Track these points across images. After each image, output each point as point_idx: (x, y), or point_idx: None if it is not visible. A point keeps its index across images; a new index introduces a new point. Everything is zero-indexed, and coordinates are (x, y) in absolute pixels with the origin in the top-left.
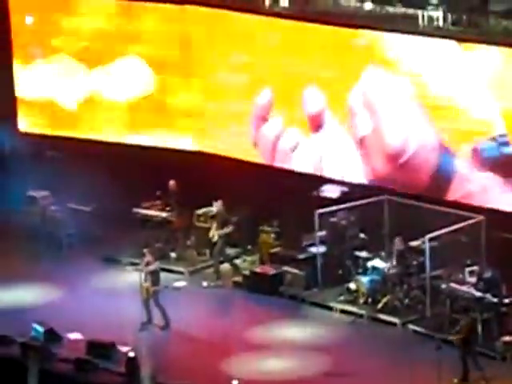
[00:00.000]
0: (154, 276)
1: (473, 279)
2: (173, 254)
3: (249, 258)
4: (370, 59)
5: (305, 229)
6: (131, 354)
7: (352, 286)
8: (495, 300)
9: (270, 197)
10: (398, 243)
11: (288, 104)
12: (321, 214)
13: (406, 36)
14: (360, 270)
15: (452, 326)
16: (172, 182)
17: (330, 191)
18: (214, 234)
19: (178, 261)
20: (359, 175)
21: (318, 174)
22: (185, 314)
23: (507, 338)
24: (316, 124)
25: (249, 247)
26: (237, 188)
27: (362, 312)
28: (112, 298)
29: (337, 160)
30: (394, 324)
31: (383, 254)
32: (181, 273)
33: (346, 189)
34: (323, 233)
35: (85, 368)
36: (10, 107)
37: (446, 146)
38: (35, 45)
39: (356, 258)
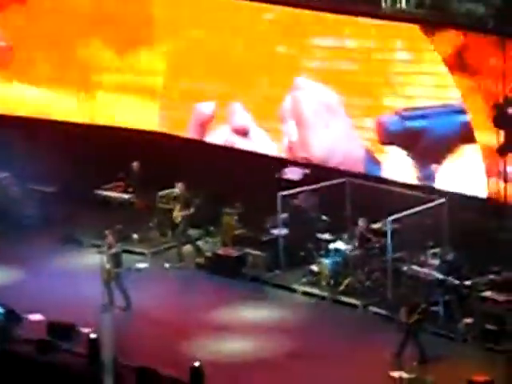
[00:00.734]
0: (116, 258)
1: (435, 261)
2: (135, 236)
3: (211, 240)
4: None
5: (267, 211)
6: (92, 336)
7: (314, 268)
8: (457, 282)
9: (233, 179)
10: (360, 225)
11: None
12: (283, 196)
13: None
14: (322, 252)
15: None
16: (135, 164)
17: (293, 173)
18: (177, 215)
19: (140, 242)
20: None
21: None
22: (147, 296)
23: (468, 320)
24: (242, 133)
25: (211, 229)
26: (199, 169)
27: (324, 294)
28: (73, 280)
29: None
30: (356, 306)
31: (345, 236)
32: (143, 254)
33: (307, 171)
34: (285, 215)
35: (46, 349)
36: None
37: (371, 155)
38: None
39: (318, 240)
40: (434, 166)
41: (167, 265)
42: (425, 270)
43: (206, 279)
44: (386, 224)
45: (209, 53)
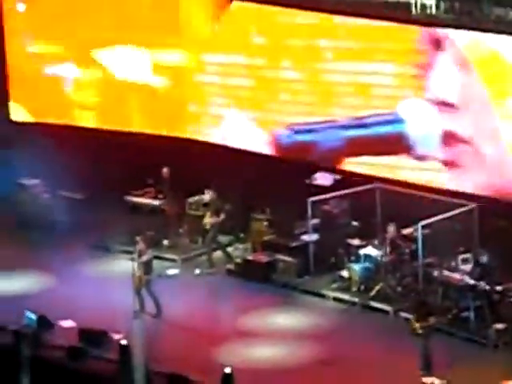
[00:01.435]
0: (147, 265)
1: (466, 267)
2: (165, 242)
3: (241, 246)
4: None
5: (297, 217)
6: (123, 342)
7: (344, 273)
8: (488, 287)
9: (263, 185)
10: (390, 231)
11: None
12: (313, 202)
13: None
14: (352, 258)
15: (444, 314)
16: (165, 170)
17: (323, 179)
18: (207, 221)
19: (170, 248)
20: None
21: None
22: (177, 302)
23: (499, 326)
24: None
25: (241, 235)
26: (229, 175)
27: (355, 300)
28: (104, 286)
29: None
30: (387, 312)
31: (375, 241)
32: (173, 260)
33: (338, 177)
34: (316, 221)
35: (77, 356)
36: (1, 94)
37: None
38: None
39: (348, 246)
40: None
41: (197, 271)
42: (456, 275)
43: (236, 285)
44: (417, 229)
45: None
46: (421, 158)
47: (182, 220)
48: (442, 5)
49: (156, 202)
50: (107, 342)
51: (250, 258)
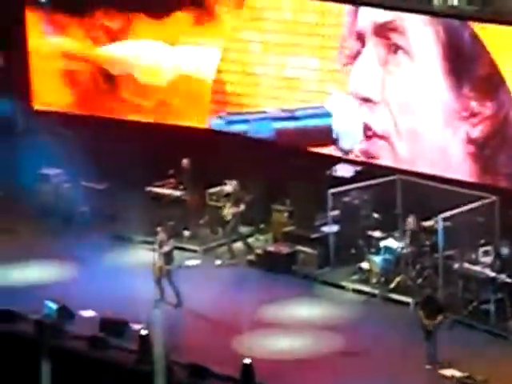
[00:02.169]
0: (168, 255)
1: (486, 259)
2: (186, 233)
3: (262, 237)
4: None
5: (318, 208)
6: (144, 332)
7: (364, 265)
8: (508, 280)
9: (283, 176)
10: (411, 223)
11: None
12: (334, 194)
13: None
14: (373, 250)
15: (464, 306)
16: (185, 161)
17: (343, 171)
18: (228, 212)
19: (191, 239)
20: None
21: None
22: (198, 293)
23: None
24: None
25: (262, 226)
26: (250, 166)
27: (375, 292)
28: (125, 276)
29: None
30: (407, 304)
31: (396, 233)
32: (194, 251)
33: (359, 168)
34: (336, 212)
35: (98, 345)
36: (24, 84)
37: None
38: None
39: (369, 238)
40: None
41: (218, 262)
42: (476, 267)
43: (257, 276)
44: (437, 222)
45: None
46: (345, 151)
47: (202, 211)
48: None
49: (177, 193)
50: (128, 332)
51: (270, 249)
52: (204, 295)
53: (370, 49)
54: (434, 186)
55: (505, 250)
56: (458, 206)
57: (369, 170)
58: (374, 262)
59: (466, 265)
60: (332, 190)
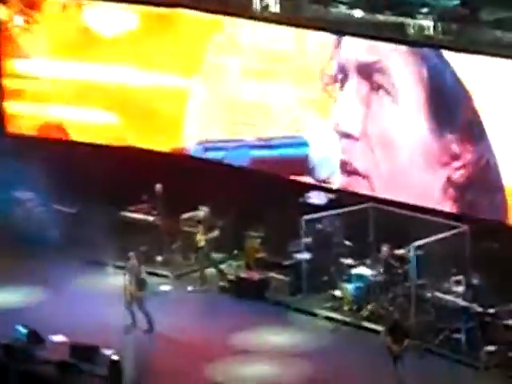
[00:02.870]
0: (140, 280)
1: (458, 288)
2: (158, 258)
3: (234, 263)
4: None
5: (290, 235)
6: (115, 358)
7: (337, 293)
8: (480, 309)
9: (256, 202)
10: (384, 251)
11: None
12: (307, 221)
13: None
14: (345, 277)
15: (436, 335)
16: (158, 186)
17: (316, 198)
18: (201, 238)
19: (163, 265)
20: None
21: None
22: (169, 318)
23: (491, 348)
24: None
25: (235, 252)
26: (223, 192)
27: (347, 319)
28: (96, 301)
29: None
30: (379, 332)
31: (368, 261)
32: (166, 277)
33: (332, 196)
34: (309, 239)
35: (68, 371)
36: None
37: None
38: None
39: (341, 265)
40: None
41: (190, 288)
42: (448, 297)
43: (229, 302)
44: (410, 250)
45: None
46: (321, 181)
47: (175, 236)
48: (440, 26)
49: (150, 218)
50: (98, 357)
51: (242, 275)
52: (175, 321)
53: (351, 85)
54: (407, 215)
55: (475, 281)
56: (430, 235)
57: (342, 197)
58: (347, 289)
59: (438, 294)
60: (305, 217)
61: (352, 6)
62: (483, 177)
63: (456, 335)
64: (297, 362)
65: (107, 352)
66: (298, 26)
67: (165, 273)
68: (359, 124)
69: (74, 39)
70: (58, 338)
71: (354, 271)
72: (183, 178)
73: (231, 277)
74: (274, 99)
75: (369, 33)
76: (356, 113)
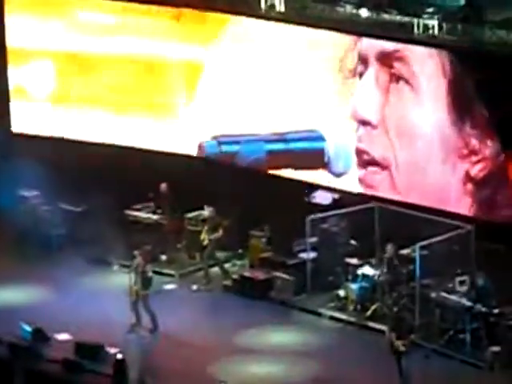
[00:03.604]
0: (145, 280)
1: (463, 288)
2: (163, 257)
3: (239, 262)
4: None
5: (296, 234)
6: (119, 356)
7: (341, 292)
8: (484, 310)
9: (262, 202)
10: (388, 251)
11: None
12: (312, 220)
13: None
14: (350, 277)
15: (441, 335)
16: (163, 185)
17: (322, 198)
18: (205, 237)
19: (168, 263)
20: None
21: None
22: (174, 317)
23: (495, 348)
24: None
25: (239, 251)
26: (228, 192)
27: (351, 319)
28: (101, 300)
29: None
30: (383, 332)
31: (373, 261)
32: (171, 275)
33: (337, 196)
34: (314, 239)
35: (72, 369)
36: (3, 106)
37: None
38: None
39: (346, 265)
40: None
41: (195, 287)
42: (453, 297)
43: (233, 302)
44: (415, 250)
45: None
46: (337, 174)
47: (180, 235)
48: (445, 26)
49: (155, 217)
50: (103, 355)
51: (247, 274)
52: (180, 320)
53: (371, 73)
54: (412, 214)
55: (480, 281)
56: (435, 235)
57: (347, 197)
58: (351, 289)
59: (443, 294)
60: (310, 217)
61: (358, 6)
62: (501, 173)
63: (461, 335)
64: (301, 361)
65: (112, 350)
66: (304, 25)
67: (169, 272)
68: (378, 112)
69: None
70: (63, 336)
71: (359, 271)
72: (189, 177)
73: (235, 276)
74: (290, 92)
75: (374, 32)
76: (375, 100)
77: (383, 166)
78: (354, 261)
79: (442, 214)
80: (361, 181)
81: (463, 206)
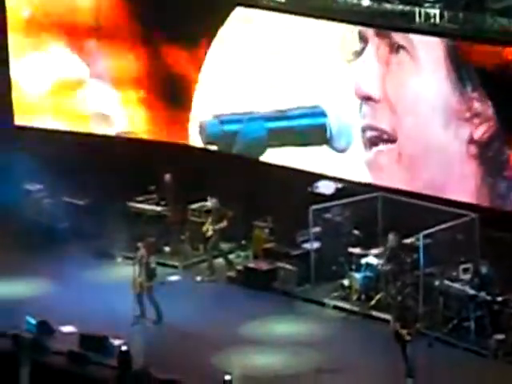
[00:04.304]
0: (149, 271)
1: (467, 277)
2: (167, 248)
3: (243, 253)
4: None
5: (299, 225)
6: (124, 348)
7: (345, 282)
8: (489, 298)
9: (265, 192)
10: (391, 240)
11: None
12: (315, 210)
13: None
14: (353, 267)
15: (445, 324)
16: (168, 176)
17: (325, 188)
18: (209, 228)
19: (171, 255)
20: None
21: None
22: (178, 309)
23: (500, 336)
24: None
25: (243, 242)
26: (231, 183)
27: (355, 309)
28: (105, 292)
29: None
30: (387, 321)
31: (377, 250)
32: (175, 267)
33: (340, 185)
34: (317, 229)
35: (77, 361)
36: (5, 101)
37: None
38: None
39: (350, 255)
40: None
41: (198, 278)
42: (457, 285)
43: (237, 293)
44: (418, 239)
45: None
46: (340, 150)
47: (183, 227)
48: (446, 14)
49: (158, 209)
50: (108, 347)
51: (251, 265)
52: (184, 311)
53: (372, 47)
54: (415, 204)
55: (483, 269)
56: (438, 224)
57: (350, 186)
58: (355, 279)
59: (447, 282)
60: (313, 207)
61: None
62: (504, 134)
63: (465, 324)
64: (305, 351)
65: (116, 342)
66: (305, 15)
67: (173, 263)
68: (380, 85)
69: None
70: (68, 328)
71: (363, 260)
72: (192, 168)
73: (239, 267)
74: (291, 70)
75: (374, 21)
76: (376, 74)
77: (390, 141)
78: (358, 250)
79: (445, 202)
80: (368, 164)
81: (468, 171)
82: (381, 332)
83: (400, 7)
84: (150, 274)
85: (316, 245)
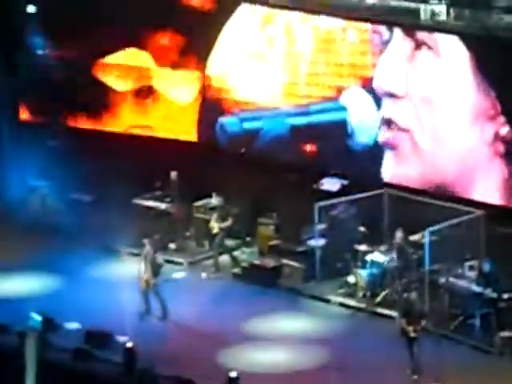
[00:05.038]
0: (154, 267)
1: (472, 274)
2: (172, 245)
3: (248, 250)
4: None
5: (304, 222)
6: (129, 345)
7: (351, 279)
8: (494, 295)
9: (270, 189)
10: (397, 237)
11: None
12: (321, 207)
13: None
14: (359, 264)
15: (450, 321)
16: (174, 173)
17: (330, 184)
18: (214, 225)
19: (177, 252)
20: None
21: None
22: (183, 305)
23: (505, 334)
24: None
25: (248, 239)
26: (237, 180)
27: (361, 305)
28: (111, 288)
29: None
30: (393, 318)
31: (382, 247)
32: (180, 264)
33: (345, 182)
34: (323, 226)
35: (82, 357)
36: (11, 96)
37: None
38: None
39: (355, 252)
40: None
41: (204, 275)
42: (462, 282)
43: (242, 289)
44: (424, 236)
45: None
46: (360, 145)
47: (188, 223)
48: (452, 11)
49: (163, 206)
50: (113, 344)
51: (256, 262)
52: (189, 308)
53: (395, 43)
54: (421, 201)
55: (486, 266)
56: (444, 221)
57: (355, 183)
58: (361, 275)
59: (452, 279)
60: (319, 204)
61: None
62: None
63: (470, 321)
64: (310, 348)
65: (122, 339)
66: (310, 12)
67: (178, 260)
68: (403, 82)
69: None
70: (73, 325)
71: (368, 257)
72: (197, 165)
73: (245, 264)
74: (314, 67)
75: (381, 18)
76: (399, 71)
77: (411, 138)
78: (363, 247)
79: (451, 199)
80: (386, 142)
81: (493, 169)
82: (386, 329)
83: (406, 4)
84: (156, 271)
85: (321, 242)
